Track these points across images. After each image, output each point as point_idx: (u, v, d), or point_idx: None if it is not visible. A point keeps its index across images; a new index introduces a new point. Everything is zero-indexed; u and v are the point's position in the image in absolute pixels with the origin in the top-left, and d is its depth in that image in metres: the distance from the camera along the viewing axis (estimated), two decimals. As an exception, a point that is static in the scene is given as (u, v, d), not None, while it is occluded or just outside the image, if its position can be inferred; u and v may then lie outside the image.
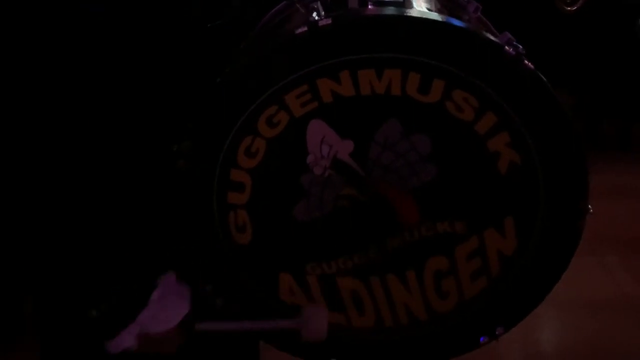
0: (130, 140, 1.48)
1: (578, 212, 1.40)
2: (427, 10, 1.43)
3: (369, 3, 1.38)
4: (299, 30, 1.32)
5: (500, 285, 1.43)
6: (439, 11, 1.47)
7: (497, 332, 1.45)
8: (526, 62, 1.31)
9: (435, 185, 1.40)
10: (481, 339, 1.45)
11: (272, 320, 1.39)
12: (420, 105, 1.34)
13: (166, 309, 1.17)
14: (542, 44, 3.46)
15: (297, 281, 1.44)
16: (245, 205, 1.41)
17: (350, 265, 1.44)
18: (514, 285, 1.43)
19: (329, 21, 1.30)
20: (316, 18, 1.32)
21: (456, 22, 1.36)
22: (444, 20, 1.37)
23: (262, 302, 1.44)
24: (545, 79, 1.32)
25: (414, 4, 1.44)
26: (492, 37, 1.36)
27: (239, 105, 1.35)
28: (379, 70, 1.31)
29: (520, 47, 1.31)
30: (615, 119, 3.79)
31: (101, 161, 1.46)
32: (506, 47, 1.31)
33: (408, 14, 1.37)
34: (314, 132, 1.36)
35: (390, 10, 1.39)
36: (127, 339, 1.18)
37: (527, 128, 1.34)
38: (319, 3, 1.38)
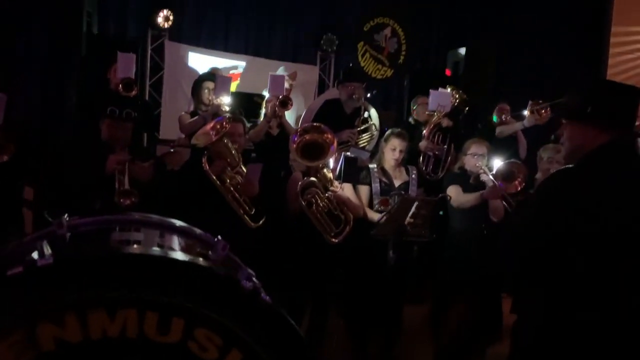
0: None
1: None
2: (162, 249, 1.38)
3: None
4: (12, 272, 1.14)
5: None
6: (184, 249, 1.44)
7: None
8: (263, 295, 1.31)
9: None
10: None
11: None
12: (160, 346, 1.22)
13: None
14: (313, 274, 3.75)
15: None
16: None
17: None
18: None
19: (51, 260, 1.16)
20: (35, 257, 1.18)
21: (187, 259, 1.31)
22: (176, 258, 1.31)
23: None
24: (283, 312, 1.32)
25: (159, 243, 1.40)
26: (228, 273, 1.33)
27: None
28: (111, 311, 1.17)
29: (258, 282, 1.33)
30: (379, 337, 4.07)
31: None
32: (243, 282, 1.30)
33: (139, 252, 1.30)
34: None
35: (125, 249, 1.31)
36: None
37: None
38: (44, 242, 1.25)
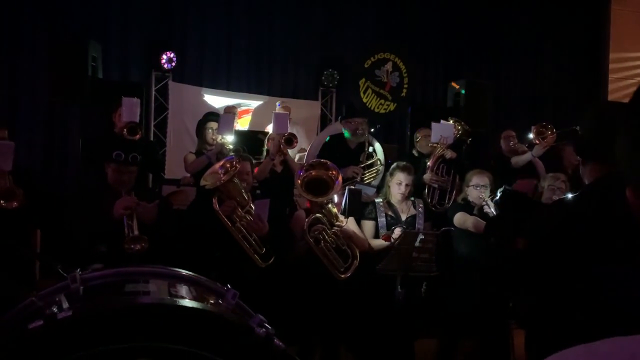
0: None
1: None
2: (175, 299, 1.37)
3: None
4: (33, 325, 1.15)
5: None
6: (195, 299, 1.43)
7: None
8: (277, 341, 1.30)
9: None
10: None
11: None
12: None
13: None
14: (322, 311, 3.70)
15: None
16: None
17: None
18: None
19: (70, 313, 1.16)
20: (55, 310, 1.19)
21: (202, 307, 1.32)
22: (190, 306, 1.30)
23: None
24: (297, 359, 1.33)
25: (171, 292, 1.40)
26: (241, 320, 1.33)
27: None
28: None
29: (271, 328, 1.33)
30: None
31: None
32: (256, 328, 1.29)
33: (153, 302, 1.29)
34: None
35: (139, 300, 1.32)
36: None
37: None
38: (62, 296, 1.27)
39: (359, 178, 4.81)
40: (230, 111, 6.10)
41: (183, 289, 1.46)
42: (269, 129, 5.45)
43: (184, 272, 1.54)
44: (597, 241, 1.85)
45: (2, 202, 3.07)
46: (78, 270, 1.36)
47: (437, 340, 4.46)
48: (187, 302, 1.30)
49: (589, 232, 1.88)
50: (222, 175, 3.50)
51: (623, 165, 0.80)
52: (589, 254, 1.85)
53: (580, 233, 1.89)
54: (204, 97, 7.36)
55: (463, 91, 6.70)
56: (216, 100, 7.34)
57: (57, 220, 3.43)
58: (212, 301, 1.45)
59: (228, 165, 3.54)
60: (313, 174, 3.74)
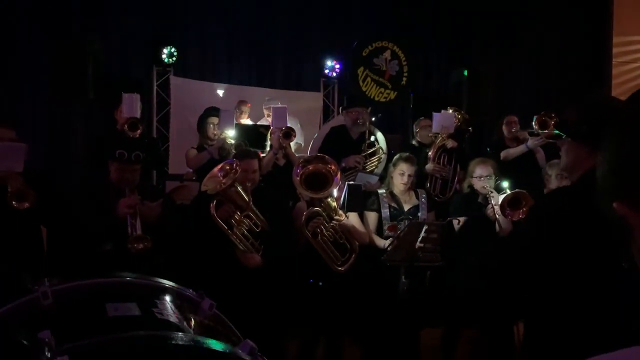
0: None
1: None
2: (167, 332, 1.30)
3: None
4: None
5: None
6: (180, 319, 1.39)
7: None
8: None
9: None
10: None
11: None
12: None
13: None
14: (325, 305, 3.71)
15: None
16: None
17: None
18: None
19: (66, 358, 1.12)
20: (48, 355, 1.14)
21: (198, 344, 1.24)
22: (188, 343, 1.24)
23: None
24: None
25: (159, 317, 1.36)
26: (227, 347, 1.27)
27: None
28: None
29: (263, 356, 1.29)
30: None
31: None
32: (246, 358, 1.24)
33: (152, 335, 1.24)
34: None
35: (127, 332, 1.24)
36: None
37: None
38: (48, 332, 1.18)
39: (360, 167, 4.81)
40: (239, 108, 6.08)
41: (166, 306, 1.41)
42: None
43: (166, 282, 1.50)
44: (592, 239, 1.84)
45: (14, 202, 3.08)
46: (45, 281, 1.26)
47: (442, 330, 4.48)
48: (180, 338, 1.25)
49: (585, 227, 1.87)
50: (221, 179, 3.48)
51: (604, 181, 0.77)
52: (587, 252, 1.84)
53: (577, 229, 1.89)
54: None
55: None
56: (218, 94, 7.32)
57: (64, 219, 3.44)
58: (194, 317, 1.41)
59: (227, 168, 3.51)
60: (310, 168, 3.71)
